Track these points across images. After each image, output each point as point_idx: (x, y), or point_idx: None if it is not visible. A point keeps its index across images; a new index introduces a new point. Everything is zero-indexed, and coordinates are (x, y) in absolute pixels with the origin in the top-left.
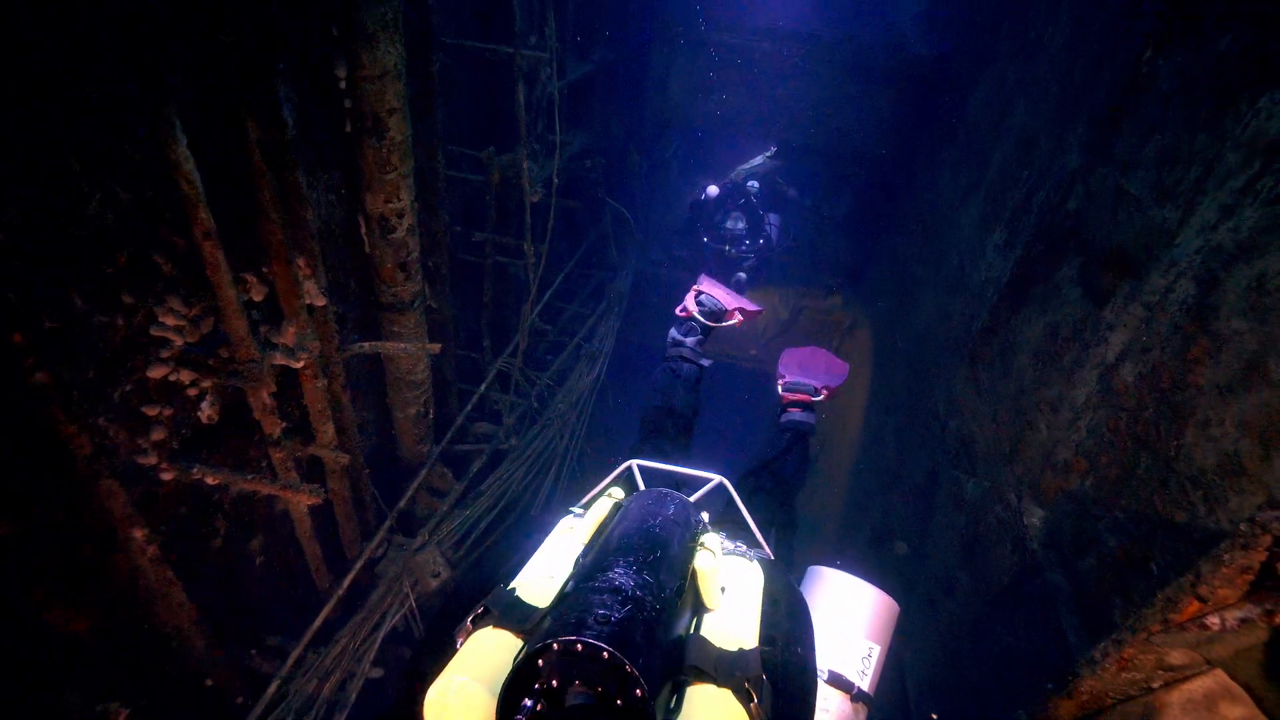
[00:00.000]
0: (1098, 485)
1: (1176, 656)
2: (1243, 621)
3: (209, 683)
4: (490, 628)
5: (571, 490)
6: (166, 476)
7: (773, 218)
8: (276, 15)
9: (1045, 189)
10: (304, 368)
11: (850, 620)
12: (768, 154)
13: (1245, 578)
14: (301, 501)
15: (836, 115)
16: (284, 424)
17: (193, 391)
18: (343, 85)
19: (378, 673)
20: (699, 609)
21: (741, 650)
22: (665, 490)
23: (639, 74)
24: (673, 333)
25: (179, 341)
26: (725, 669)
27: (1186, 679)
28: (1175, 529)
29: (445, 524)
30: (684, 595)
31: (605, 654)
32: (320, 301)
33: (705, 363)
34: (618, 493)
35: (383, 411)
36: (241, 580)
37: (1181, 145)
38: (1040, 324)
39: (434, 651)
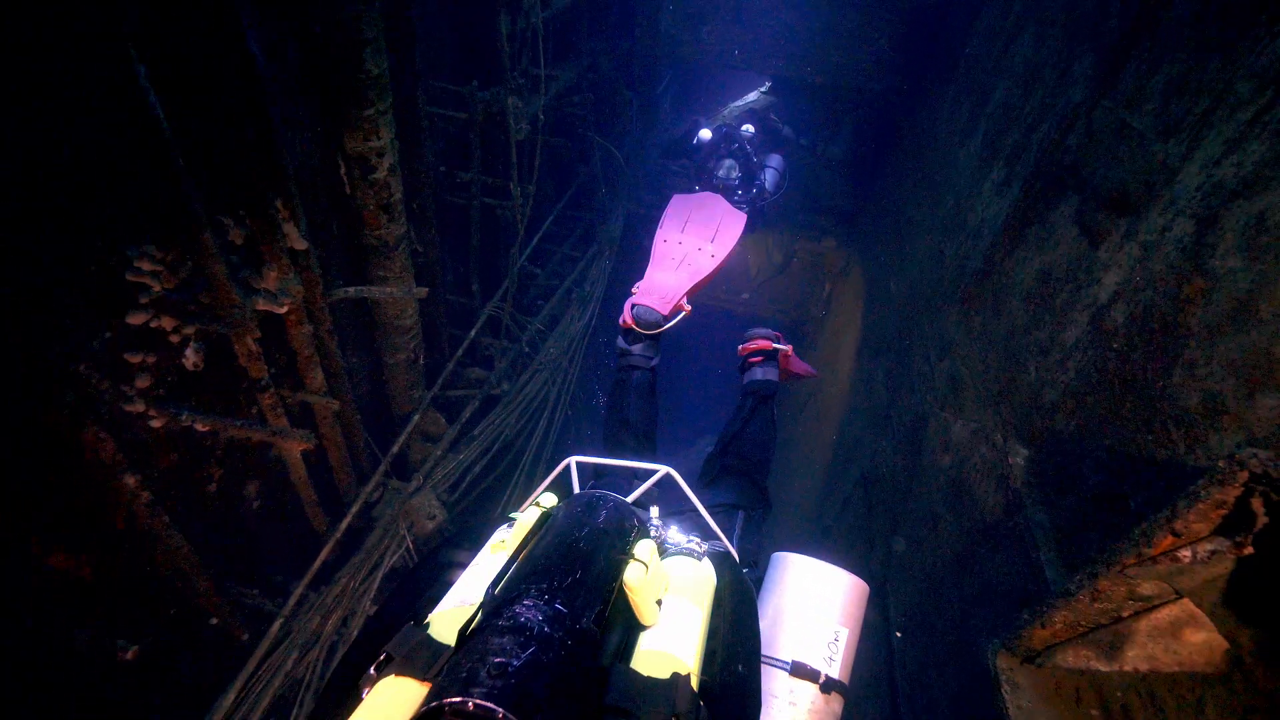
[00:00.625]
0: (1083, 426)
1: (1147, 588)
2: (1212, 554)
3: (214, 621)
4: (393, 676)
5: (565, 435)
6: (155, 424)
7: (773, 159)
8: None
9: (1047, 124)
10: (288, 313)
11: (816, 605)
12: (762, 89)
13: (1219, 513)
14: (292, 448)
15: (834, 48)
16: (271, 370)
17: (175, 338)
18: (312, 13)
19: (375, 610)
20: (632, 627)
21: (675, 675)
22: (598, 493)
23: (628, 4)
24: (619, 341)
25: (157, 287)
26: (651, 704)
27: (1155, 608)
28: (1155, 467)
29: (439, 468)
30: (609, 618)
31: (499, 715)
32: (301, 245)
33: (654, 363)
34: (550, 499)
35: (373, 357)
36: (240, 524)
37: (1191, 75)
38: (1034, 265)
39: (339, 701)
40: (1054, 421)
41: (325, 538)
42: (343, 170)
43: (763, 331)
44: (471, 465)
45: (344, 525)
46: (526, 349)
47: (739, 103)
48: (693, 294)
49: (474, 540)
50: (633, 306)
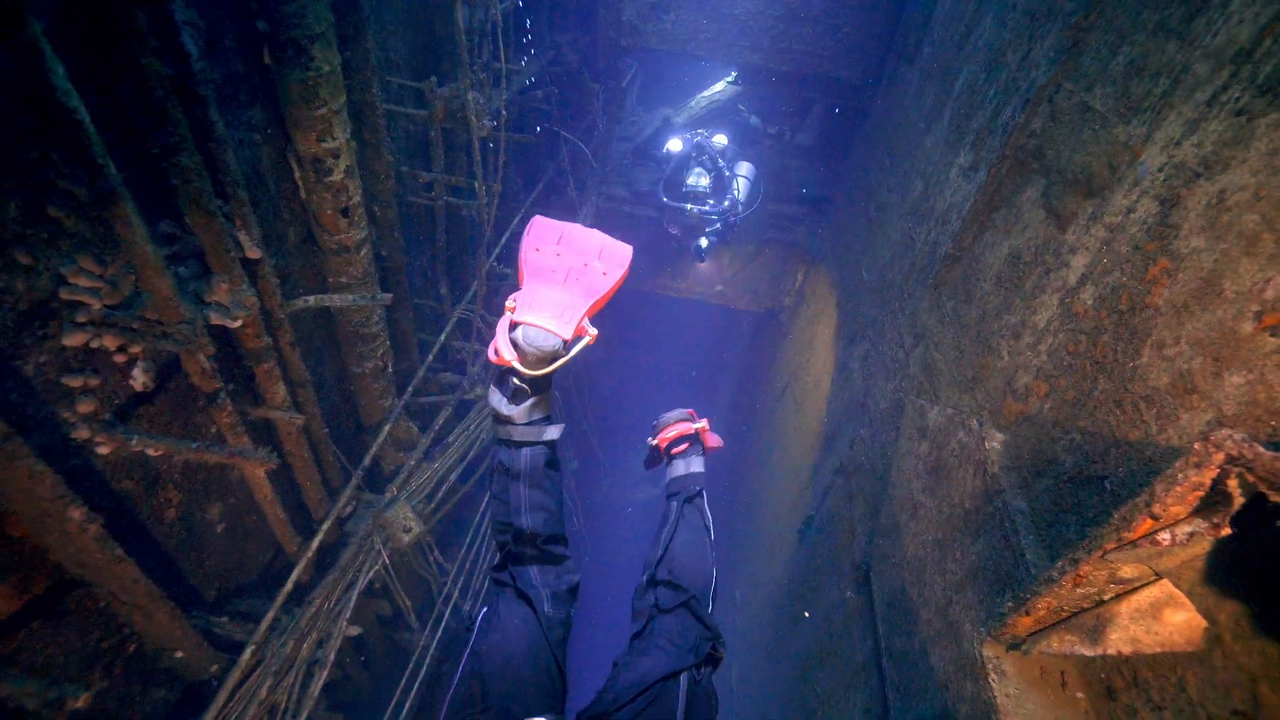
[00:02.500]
0: (1056, 408)
1: (1127, 571)
2: (1191, 535)
3: (179, 654)
4: None
5: None
6: (103, 450)
7: (744, 168)
8: None
9: (1011, 107)
10: (244, 327)
11: None
12: (729, 79)
13: (1196, 495)
14: (253, 469)
15: (798, 36)
16: (230, 385)
17: (121, 358)
18: (254, 6)
19: (355, 630)
20: None
21: None
22: None
23: None
24: (493, 397)
25: (97, 305)
26: None
27: (1135, 590)
28: (1128, 447)
29: (414, 478)
30: None
31: None
32: (255, 254)
33: (551, 434)
34: None
35: (340, 367)
36: (204, 549)
37: (1151, 56)
38: (1003, 249)
39: None
40: (1027, 405)
41: (296, 558)
42: (297, 173)
43: (675, 415)
44: (447, 473)
45: (315, 544)
46: None
47: (705, 93)
48: (590, 315)
49: None
50: (513, 328)
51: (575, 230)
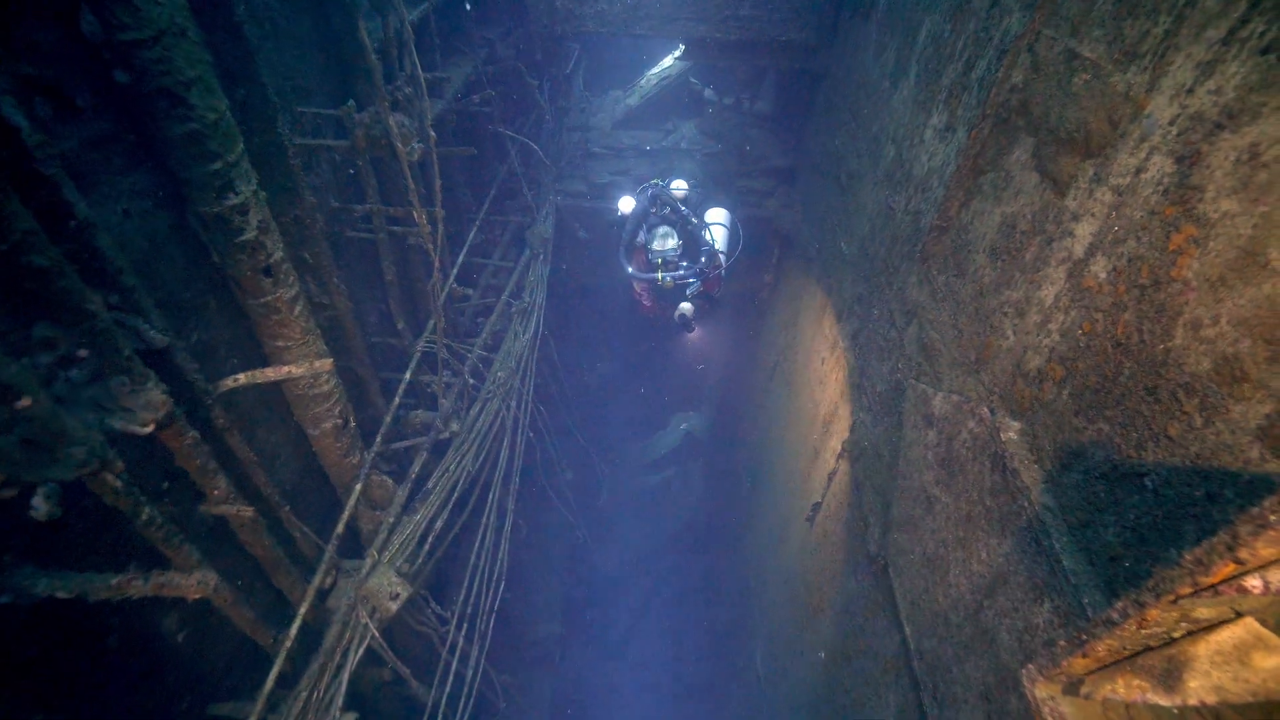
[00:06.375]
0: (1077, 395)
1: (1203, 611)
2: None
3: None
4: None
5: (531, 458)
6: (3, 600)
7: (717, 214)
8: None
9: (985, 60)
10: (157, 429)
11: None
12: (676, 54)
13: None
14: (189, 595)
15: (743, 1)
16: (166, 485)
17: (10, 492)
18: (108, 56)
19: (351, 717)
20: None
21: None
22: None
23: None
24: None
25: None
26: None
27: (1212, 629)
28: (1169, 442)
29: (395, 536)
30: None
31: None
32: (160, 342)
33: None
34: None
35: (296, 431)
36: (164, 664)
37: None
38: (995, 217)
39: None
40: (1042, 391)
41: (274, 651)
42: (203, 236)
43: None
44: (431, 521)
45: (293, 631)
46: (471, 380)
47: (654, 70)
48: None
49: None
50: None
51: None
